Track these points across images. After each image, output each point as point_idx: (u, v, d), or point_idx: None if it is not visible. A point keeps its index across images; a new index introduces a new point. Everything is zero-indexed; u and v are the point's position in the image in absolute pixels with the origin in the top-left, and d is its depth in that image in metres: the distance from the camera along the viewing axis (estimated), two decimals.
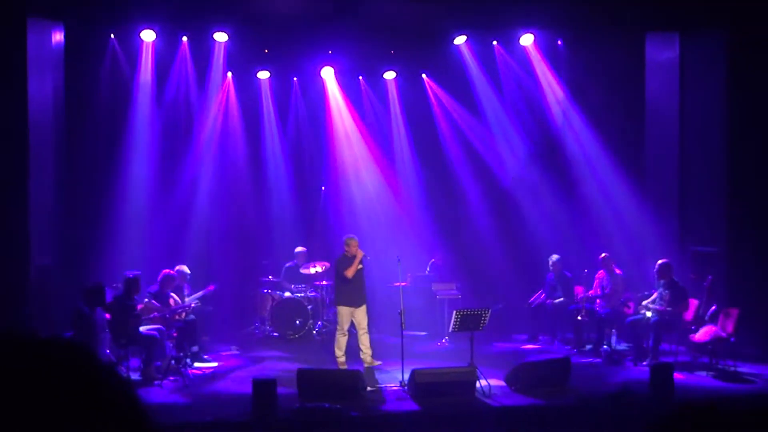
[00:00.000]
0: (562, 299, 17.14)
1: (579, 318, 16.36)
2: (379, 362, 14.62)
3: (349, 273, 14.54)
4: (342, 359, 14.57)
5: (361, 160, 19.98)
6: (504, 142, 19.60)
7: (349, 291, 14.67)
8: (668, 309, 14.83)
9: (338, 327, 14.71)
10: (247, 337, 17.67)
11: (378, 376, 13.76)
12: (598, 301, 16.31)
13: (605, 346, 15.97)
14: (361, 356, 14.57)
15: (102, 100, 17.61)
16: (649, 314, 15.05)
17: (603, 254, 16.55)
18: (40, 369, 1.38)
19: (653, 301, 15.25)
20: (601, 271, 16.51)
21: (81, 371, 1.42)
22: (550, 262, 17.45)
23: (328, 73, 19.43)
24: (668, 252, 16.60)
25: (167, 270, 15.15)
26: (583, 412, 11.68)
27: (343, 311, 14.63)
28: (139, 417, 1.45)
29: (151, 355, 13.76)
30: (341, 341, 14.67)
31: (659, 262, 15.33)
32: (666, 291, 15.06)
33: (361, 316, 14.64)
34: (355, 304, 14.64)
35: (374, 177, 19.94)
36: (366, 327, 14.68)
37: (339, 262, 14.84)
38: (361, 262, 14.65)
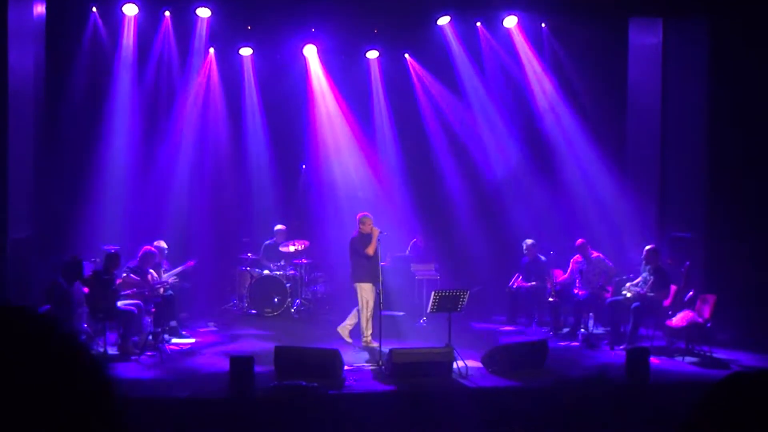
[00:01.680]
0: (534, 283, 17.16)
1: (550, 300, 16.45)
2: (376, 344, 14.60)
3: (371, 250, 14.57)
4: (369, 338, 14.64)
5: (342, 139, 19.96)
6: (486, 124, 19.62)
7: (371, 268, 14.65)
8: (650, 294, 14.89)
9: (363, 306, 14.59)
10: (224, 313, 17.69)
11: (356, 355, 13.80)
12: (576, 285, 16.36)
13: (582, 330, 16.04)
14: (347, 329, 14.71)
15: (82, 74, 17.50)
16: (629, 294, 15.12)
17: (579, 240, 16.60)
18: (6, 336, 1.38)
19: (636, 284, 15.31)
20: (578, 255, 16.57)
21: (49, 341, 1.42)
22: (524, 247, 17.47)
23: (310, 51, 19.35)
24: (647, 237, 16.67)
25: (148, 246, 15.11)
26: (559, 394, 11.73)
27: (367, 287, 14.62)
28: (108, 390, 1.45)
29: (128, 330, 13.74)
30: (366, 320, 14.66)
31: (647, 247, 15.36)
32: (651, 276, 15.13)
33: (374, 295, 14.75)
34: (377, 281, 14.65)
35: (355, 156, 19.92)
36: (371, 309, 14.74)
37: (355, 240, 14.83)
38: (377, 239, 14.69)
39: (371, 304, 14.69)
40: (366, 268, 14.71)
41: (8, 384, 1.33)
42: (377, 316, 13.73)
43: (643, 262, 15.39)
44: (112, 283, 13.90)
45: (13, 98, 14.78)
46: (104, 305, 13.57)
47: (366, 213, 15.11)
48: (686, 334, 14.31)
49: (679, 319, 14.29)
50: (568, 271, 16.81)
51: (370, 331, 14.64)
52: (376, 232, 14.68)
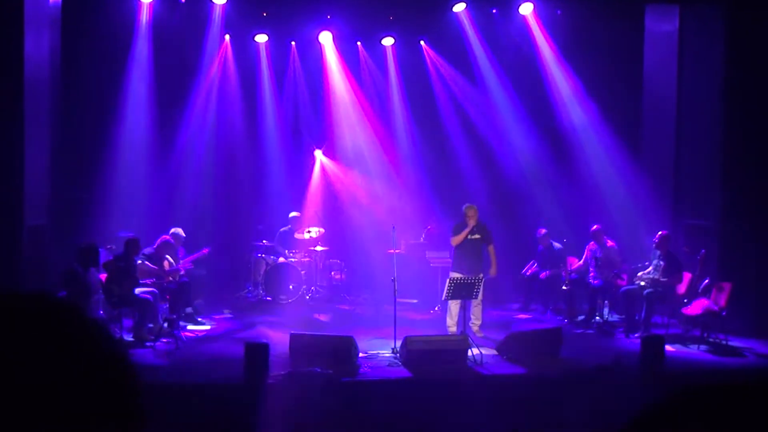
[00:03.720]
0: (548, 272, 17.14)
1: (564, 288, 16.42)
2: (482, 334, 14.54)
3: (454, 241, 14.62)
4: (453, 328, 14.43)
5: (357, 125, 19.94)
6: (501, 111, 19.57)
7: (460, 258, 14.60)
8: (662, 279, 14.87)
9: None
10: (240, 300, 17.72)
11: (370, 342, 13.79)
12: (591, 272, 16.32)
13: (597, 317, 16.02)
14: (470, 324, 14.39)
15: (98, 60, 17.51)
16: (642, 283, 15.10)
17: (594, 226, 16.56)
18: (26, 323, 1.39)
19: (648, 273, 15.28)
20: (592, 242, 16.53)
21: (68, 327, 1.42)
22: (538, 236, 17.48)
23: (326, 38, 19.34)
24: (662, 225, 16.62)
25: (166, 236, 15.18)
26: (574, 382, 11.73)
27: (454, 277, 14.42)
28: (128, 376, 1.46)
29: (143, 317, 13.79)
30: (453, 309, 14.51)
31: (659, 233, 15.34)
32: (661, 262, 15.11)
33: None
34: (464, 272, 14.35)
35: (370, 143, 19.90)
36: (479, 298, 14.38)
37: (453, 228, 14.82)
38: (475, 232, 14.52)
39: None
40: (455, 258, 14.75)
41: (30, 371, 1.34)
42: (391, 302, 13.66)
43: (654, 247, 15.37)
44: (131, 269, 13.94)
45: (29, 85, 14.81)
46: (121, 292, 13.62)
47: (470, 204, 14.95)
48: (702, 322, 14.30)
49: (694, 307, 14.27)
50: (583, 258, 16.78)
51: (454, 320, 14.52)
52: (470, 225, 14.55)
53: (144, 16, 17.79)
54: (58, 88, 16.33)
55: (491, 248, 14.81)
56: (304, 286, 17.47)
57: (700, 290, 14.42)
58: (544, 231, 17.45)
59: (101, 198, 17.27)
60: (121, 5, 17.54)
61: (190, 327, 15.00)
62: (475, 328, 14.51)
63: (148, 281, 14.43)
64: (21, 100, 14.57)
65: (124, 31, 17.72)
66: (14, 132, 14.56)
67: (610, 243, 16.34)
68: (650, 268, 15.36)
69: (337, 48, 19.58)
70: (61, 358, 1.37)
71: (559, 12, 18.61)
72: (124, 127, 17.96)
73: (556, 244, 17.35)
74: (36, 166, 15.21)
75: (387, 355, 12.95)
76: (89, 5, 17.15)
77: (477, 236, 14.54)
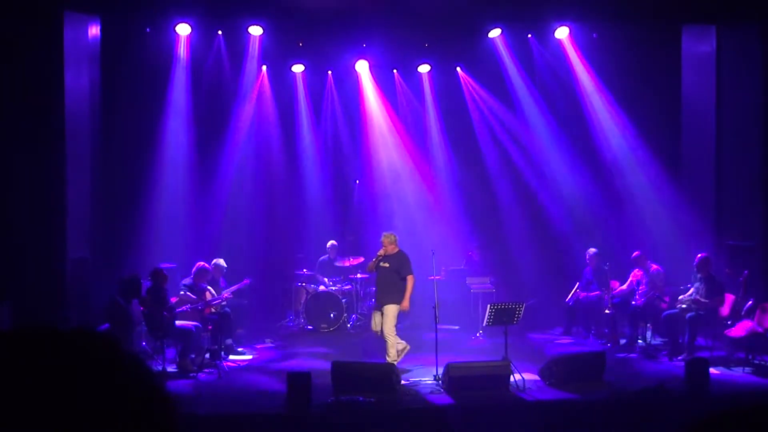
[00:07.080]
0: (597, 293, 17.01)
1: (607, 312, 16.28)
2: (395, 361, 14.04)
3: (367, 268, 14.64)
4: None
5: (395, 153, 19.96)
6: (539, 136, 19.53)
7: (376, 289, 14.56)
8: (704, 300, 14.72)
9: None
10: (281, 330, 17.73)
11: (412, 369, 13.75)
12: (637, 295, 16.18)
13: (640, 341, 15.89)
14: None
15: (137, 93, 17.67)
16: (684, 306, 14.96)
17: (636, 253, 16.42)
18: (65, 360, 1.40)
19: (690, 296, 15.15)
20: (637, 269, 16.36)
21: (106, 362, 1.44)
22: (588, 256, 17.34)
23: (362, 67, 19.42)
24: (704, 246, 16.49)
25: (201, 263, 15.22)
26: (618, 406, 11.64)
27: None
28: (165, 409, 1.47)
29: (186, 348, 13.83)
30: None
31: (699, 255, 15.20)
32: (702, 285, 14.97)
33: (383, 317, 14.06)
34: (375, 299, 14.37)
35: (409, 170, 19.92)
36: (387, 330, 13.94)
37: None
38: (385, 261, 14.22)
39: (372, 326, 14.52)
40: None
41: (67, 404, 1.35)
42: (433, 328, 13.60)
43: (695, 270, 15.23)
44: (165, 300, 14.01)
45: (70, 119, 15.03)
46: (161, 323, 13.69)
47: (385, 231, 14.73)
48: (746, 344, 14.13)
49: (738, 329, 14.12)
50: (627, 282, 16.62)
51: (389, 357, 13.94)
52: (380, 252, 14.32)
53: (182, 48, 17.95)
54: (99, 121, 16.52)
55: (408, 278, 14.12)
56: (345, 315, 17.47)
57: (743, 312, 14.28)
58: (594, 251, 17.29)
59: (142, 230, 17.42)
60: (159, 38, 17.70)
61: (231, 357, 15.04)
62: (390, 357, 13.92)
63: (186, 308, 14.46)
64: (62, 133, 14.77)
65: (163, 64, 17.89)
66: (56, 166, 14.74)
67: (654, 267, 16.21)
68: (691, 290, 15.23)
69: (373, 76, 19.65)
70: (97, 392, 1.38)
71: (595, 35, 18.56)
72: (164, 159, 18.12)
73: (604, 266, 17.20)
74: (78, 199, 15.38)
75: (429, 382, 12.90)
76: (128, 39, 17.33)
77: (386, 264, 14.17)
